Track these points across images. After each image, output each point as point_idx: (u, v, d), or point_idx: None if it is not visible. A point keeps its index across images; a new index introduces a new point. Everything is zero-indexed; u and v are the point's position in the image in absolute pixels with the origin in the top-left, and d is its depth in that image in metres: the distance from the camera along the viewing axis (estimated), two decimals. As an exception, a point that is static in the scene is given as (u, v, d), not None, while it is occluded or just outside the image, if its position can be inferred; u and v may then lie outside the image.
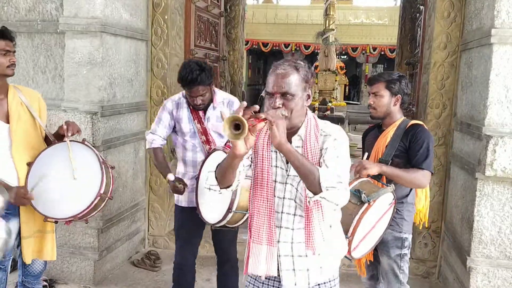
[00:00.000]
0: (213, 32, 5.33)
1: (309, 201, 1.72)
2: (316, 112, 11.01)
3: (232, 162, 1.71)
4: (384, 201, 2.50)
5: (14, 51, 2.54)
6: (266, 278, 1.91)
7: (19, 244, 2.60)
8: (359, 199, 2.38)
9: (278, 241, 1.85)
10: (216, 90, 3.01)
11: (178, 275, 3.08)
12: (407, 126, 2.66)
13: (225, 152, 2.63)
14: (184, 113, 2.96)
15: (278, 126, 1.60)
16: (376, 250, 2.74)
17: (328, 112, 10.94)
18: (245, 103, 1.59)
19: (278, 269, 1.86)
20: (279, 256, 1.85)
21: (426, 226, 3.14)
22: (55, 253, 2.76)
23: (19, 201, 2.44)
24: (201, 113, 2.93)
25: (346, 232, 2.40)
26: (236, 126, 1.51)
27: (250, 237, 1.91)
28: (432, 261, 4.06)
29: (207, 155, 2.79)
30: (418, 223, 2.86)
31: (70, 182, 2.52)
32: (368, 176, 2.62)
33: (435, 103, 3.90)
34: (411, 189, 2.71)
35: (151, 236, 4.52)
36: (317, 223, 1.83)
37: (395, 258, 2.68)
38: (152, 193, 4.45)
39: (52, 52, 3.76)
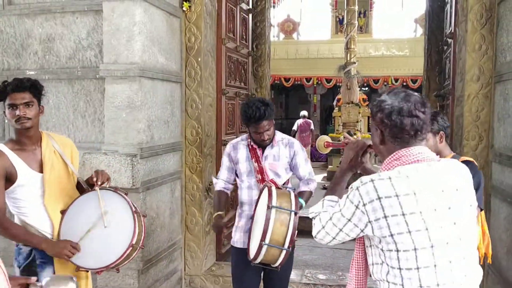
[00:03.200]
0: (242, 71, 5.45)
1: None
2: (342, 145, 10.99)
3: None
4: None
5: (26, 103, 2.42)
6: None
7: None
8: None
9: None
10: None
11: None
12: None
13: (269, 188, 2.65)
14: (242, 153, 3.06)
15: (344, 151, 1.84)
16: None
17: (354, 145, 10.90)
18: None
19: None
20: None
21: (489, 261, 2.99)
22: None
23: (63, 253, 2.41)
24: (259, 152, 3.01)
25: None
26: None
27: None
28: (476, 297, 3.94)
29: (259, 193, 2.83)
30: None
31: (102, 232, 2.47)
32: None
33: (471, 135, 3.88)
34: None
35: (188, 276, 4.51)
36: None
37: None
38: (188, 232, 4.46)
39: (91, 97, 3.88)
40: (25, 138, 2.50)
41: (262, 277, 3.11)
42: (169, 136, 4.11)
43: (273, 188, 2.65)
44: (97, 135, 3.85)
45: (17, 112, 2.40)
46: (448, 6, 4.97)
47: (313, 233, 1.69)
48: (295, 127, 14.08)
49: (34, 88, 2.48)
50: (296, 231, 2.59)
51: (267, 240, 2.50)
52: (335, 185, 1.83)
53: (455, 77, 4.27)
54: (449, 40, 4.73)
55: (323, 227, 1.64)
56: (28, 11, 3.95)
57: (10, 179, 2.43)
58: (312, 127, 14.28)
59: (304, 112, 14.47)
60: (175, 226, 4.29)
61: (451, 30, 4.62)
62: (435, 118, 2.64)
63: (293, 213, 2.58)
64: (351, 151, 1.82)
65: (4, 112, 2.49)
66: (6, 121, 4.04)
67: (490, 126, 3.83)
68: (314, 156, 14.26)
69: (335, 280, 4.39)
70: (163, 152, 3.99)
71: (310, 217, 1.74)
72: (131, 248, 2.44)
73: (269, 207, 2.52)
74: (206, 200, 4.49)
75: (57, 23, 3.91)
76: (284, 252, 2.55)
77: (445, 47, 5.14)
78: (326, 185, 10.09)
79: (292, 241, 2.56)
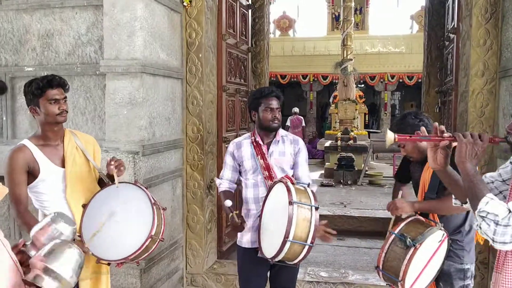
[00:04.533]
0: (242, 67, 5.40)
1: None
2: (339, 141, 10.98)
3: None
4: (433, 239, 2.47)
5: (64, 98, 2.57)
6: None
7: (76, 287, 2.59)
8: (405, 244, 2.40)
9: None
10: None
11: None
12: None
13: (286, 184, 2.60)
14: (246, 151, 2.99)
15: (460, 145, 1.71)
16: (439, 282, 2.68)
17: (351, 142, 10.89)
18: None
19: None
20: None
21: None
22: None
23: None
24: (264, 148, 2.96)
25: (396, 276, 2.41)
26: None
27: None
28: (481, 293, 3.93)
29: (269, 190, 2.78)
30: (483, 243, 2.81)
31: (122, 224, 2.51)
32: (416, 213, 2.61)
33: (475, 131, 3.83)
34: (465, 217, 2.66)
35: (189, 275, 4.46)
36: None
37: None
38: (189, 230, 4.41)
39: (91, 94, 3.82)
40: (52, 133, 2.58)
41: (268, 277, 3.07)
42: (170, 133, 4.06)
43: (290, 184, 2.60)
44: (97, 133, 3.79)
45: (60, 107, 2.51)
46: (450, 1, 4.93)
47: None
48: (288, 123, 14.22)
49: (66, 85, 2.60)
50: (318, 226, 2.56)
51: (291, 237, 2.46)
52: (478, 182, 1.67)
53: (458, 72, 4.23)
54: (451, 36, 4.69)
55: None
56: (26, 6, 3.87)
57: (33, 173, 2.50)
58: (303, 123, 14.47)
59: (295, 109, 14.60)
60: (176, 224, 4.24)
61: (454, 25, 4.59)
62: (404, 121, 2.74)
63: (313, 208, 2.55)
64: (480, 147, 1.68)
65: (36, 107, 2.53)
66: (4, 118, 4.01)
67: (495, 122, 3.81)
68: (311, 153, 14.25)
69: (338, 277, 4.35)
70: (164, 149, 3.94)
71: (500, 218, 1.55)
72: (150, 239, 2.46)
73: (291, 203, 2.47)
74: (207, 197, 4.44)
75: (56, 19, 3.84)
76: (306, 248, 2.51)
77: (447, 43, 5.11)
78: (325, 182, 10.06)
79: (314, 237, 2.52)
